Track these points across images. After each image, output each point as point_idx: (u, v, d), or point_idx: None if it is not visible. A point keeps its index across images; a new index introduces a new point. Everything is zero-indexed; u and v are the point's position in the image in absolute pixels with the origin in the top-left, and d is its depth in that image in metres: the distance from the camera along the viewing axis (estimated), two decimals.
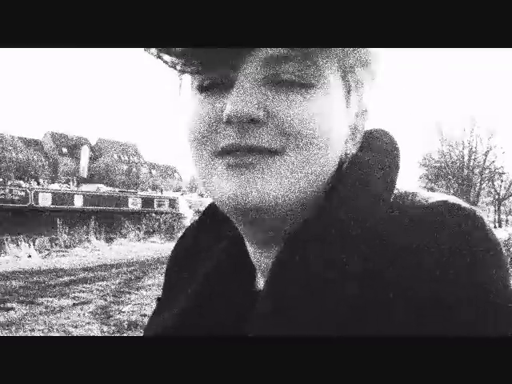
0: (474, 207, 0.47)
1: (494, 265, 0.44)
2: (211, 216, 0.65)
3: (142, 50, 0.50)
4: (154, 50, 0.49)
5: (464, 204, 0.47)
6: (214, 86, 0.49)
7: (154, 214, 18.76)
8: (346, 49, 0.49)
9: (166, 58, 0.49)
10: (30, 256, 11.27)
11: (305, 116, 0.46)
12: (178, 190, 56.98)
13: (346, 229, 0.48)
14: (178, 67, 0.49)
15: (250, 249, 0.57)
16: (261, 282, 0.57)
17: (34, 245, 12.53)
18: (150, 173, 78.83)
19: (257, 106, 0.46)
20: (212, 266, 0.60)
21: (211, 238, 0.65)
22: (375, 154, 0.53)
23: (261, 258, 0.56)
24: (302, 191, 0.48)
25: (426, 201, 0.47)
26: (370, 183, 0.50)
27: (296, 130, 0.46)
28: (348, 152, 0.53)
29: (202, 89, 0.50)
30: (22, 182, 26.02)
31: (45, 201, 18.28)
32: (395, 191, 0.51)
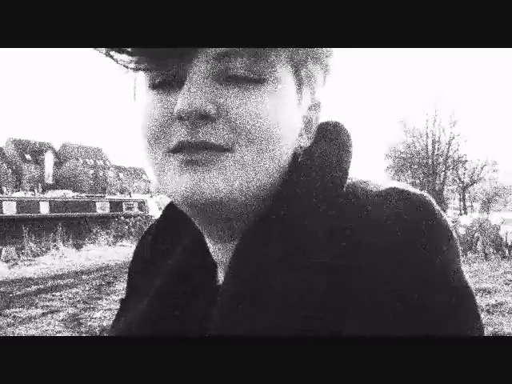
0: (422, 191, 0.48)
1: (444, 246, 0.45)
2: (170, 216, 0.65)
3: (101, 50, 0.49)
4: (103, 49, 0.48)
5: (412, 189, 0.48)
6: (166, 83, 0.49)
7: (123, 218, 18.52)
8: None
9: (116, 56, 0.48)
10: None
11: (255, 111, 0.46)
12: (146, 192, 56.45)
13: (300, 221, 0.48)
14: (130, 65, 0.48)
15: (210, 245, 0.57)
16: (222, 279, 0.56)
17: (0, 255, 12.20)
18: (118, 176, 77.84)
19: (207, 101, 0.46)
20: (173, 265, 0.60)
21: (171, 238, 0.65)
22: (327, 144, 0.54)
23: (220, 254, 0.56)
24: (255, 187, 0.48)
25: (377, 188, 0.48)
26: (322, 174, 0.51)
27: (247, 126, 0.46)
28: (303, 145, 0.54)
29: (153, 86, 0.50)
30: None
31: (9, 209, 17.80)
32: (348, 181, 0.51)
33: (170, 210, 0.65)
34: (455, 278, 0.45)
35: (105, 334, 4.98)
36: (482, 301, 5.12)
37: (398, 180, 40.13)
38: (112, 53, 0.48)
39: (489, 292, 5.50)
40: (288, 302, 0.45)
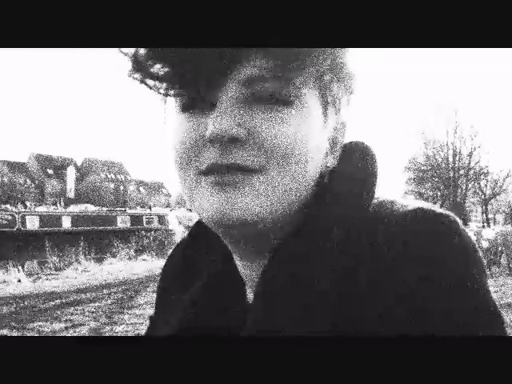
0: (448, 211, 0.49)
1: (471, 267, 0.45)
2: (199, 233, 0.66)
3: (124, 68, 0.52)
4: (138, 76, 0.51)
5: (438, 209, 0.48)
6: (196, 106, 0.51)
7: (143, 232, 18.64)
8: (321, 67, 0.51)
9: (150, 82, 0.51)
10: (19, 281, 11.12)
11: (284, 133, 0.48)
12: (166, 206, 56.75)
13: (327, 241, 0.49)
14: (162, 91, 0.51)
15: (239, 263, 0.59)
16: (250, 296, 0.58)
17: (23, 269, 12.38)
18: (138, 190, 78.45)
19: (237, 125, 0.48)
20: (202, 283, 0.61)
21: (200, 255, 0.66)
22: (353, 165, 0.55)
23: (249, 272, 0.58)
24: (284, 207, 0.50)
25: (403, 208, 0.49)
26: (349, 195, 0.52)
27: (276, 148, 0.48)
28: (329, 165, 0.55)
29: (184, 109, 0.52)
30: (8, 205, 25.71)
31: (32, 224, 18.08)
32: (374, 200, 0.52)
33: (199, 226, 0.66)
34: (482, 299, 0.45)
35: None
36: (506, 316, 5.01)
37: (418, 192, 39.70)
38: (146, 80, 0.51)
39: None
40: (315, 318, 0.47)
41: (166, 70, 0.49)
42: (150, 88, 0.51)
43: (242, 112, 0.49)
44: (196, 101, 0.51)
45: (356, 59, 0.55)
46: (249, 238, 0.53)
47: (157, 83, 0.51)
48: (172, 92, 0.51)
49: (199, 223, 0.66)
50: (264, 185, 0.49)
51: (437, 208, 0.49)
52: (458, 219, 0.48)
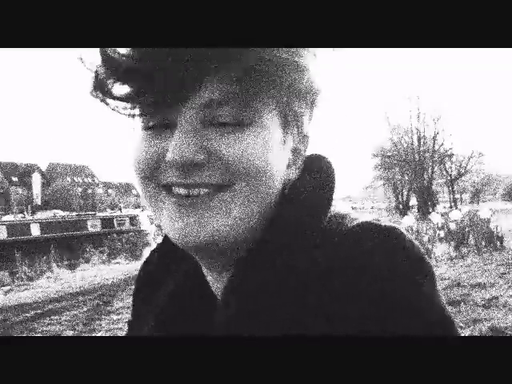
0: (392, 224, 0.51)
1: (417, 277, 0.47)
2: (169, 245, 0.67)
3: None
4: (99, 94, 0.52)
5: (383, 223, 0.50)
6: (158, 126, 0.52)
7: (115, 235, 18.38)
8: (281, 88, 0.52)
9: (110, 101, 0.52)
10: None
11: (247, 151, 0.50)
12: (137, 206, 56.03)
13: (287, 253, 0.51)
14: (121, 110, 0.52)
15: (207, 275, 0.61)
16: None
17: None
18: (107, 192, 77.16)
19: (196, 150, 0.49)
20: (172, 292, 0.63)
21: (171, 264, 0.67)
22: (312, 177, 0.57)
23: (216, 284, 0.60)
24: (247, 221, 0.52)
25: (351, 223, 0.51)
26: (306, 208, 0.54)
27: (241, 165, 0.50)
28: (291, 177, 0.57)
29: (146, 127, 0.53)
30: None
31: (0, 233, 17.59)
32: (328, 214, 0.55)
33: (168, 239, 0.67)
34: (433, 307, 0.46)
35: None
36: (477, 296, 5.17)
37: (386, 177, 40.24)
38: (106, 99, 0.52)
39: (483, 287, 5.55)
40: (277, 324, 0.49)
41: (126, 90, 0.50)
42: (112, 109, 0.52)
43: (200, 136, 0.50)
44: (158, 121, 0.52)
45: (322, 72, 0.56)
46: (215, 255, 0.54)
47: (117, 103, 0.52)
48: (131, 112, 0.52)
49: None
50: (235, 198, 0.50)
51: (381, 222, 0.51)
52: (403, 230, 0.50)
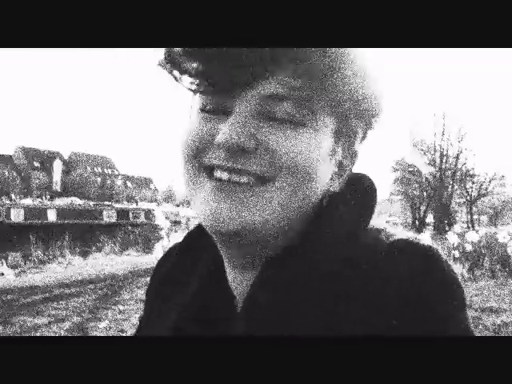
0: (429, 244, 0.50)
1: (449, 299, 0.47)
2: (195, 238, 0.67)
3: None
4: (168, 66, 0.53)
5: (421, 242, 0.50)
6: (215, 110, 0.53)
7: (129, 227, 18.54)
8: (341, 94, 0.52)
9: (176, 74, 0.53)
10: (2, 274, 11.00)
11: (294, 149, 0.50)
12: (153, 201, 56.54)
13: (320, 262, 0.51)
14: (186, 84, 0.53)
15: (230, 273, 0.60)
16: (239, 304, 0.59)
17: (6, 262, 12.25)
18: (125, 184, 78.01)
19: (247, 136, 0.50)
20: (192, 290, 0.62)
21: (193, 260, 0.66)
22: (355, 194, 0.57)
23: (239, 282, 0.59)
24: (282, 220, 0.52)
25: (387, 239, 0.51)
26: (346, 221, 0.54)
27: (286, 161, 0.50)
28: (332, 189, 0.56)
29: (203, 110, 0.54)
30: None
31: (17, 216, 17.88)
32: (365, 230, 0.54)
33: (196, 232, 0.66)
34: (461, 329, 0.47)
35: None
36: (488, 320, 5.08)
37: (405, 192, 39.97)
38: (174, 71, 0.53)
39: (495, 311, 5.45)
40: (302, 330, 0.48)
41: (196, 66, 0.51)
42: (176, 80, 0.53)
43: (254, 125, 0.50)
44: (216, 104, 0.53)
45: (385, 95, 0.56)
46: (243, 248, 0.54)
47: (184, 76, 0.52)
48: (195, 88, 0.53)
49: (198, 228, 0.66)
50: (274, 194, 0.50)
51: (419, 240, 0.51)
52: (439, 250, 0.50)
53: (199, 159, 0.53)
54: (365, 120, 0.56)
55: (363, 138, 0.58)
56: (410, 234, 0.52)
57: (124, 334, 5.36)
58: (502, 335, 4.56)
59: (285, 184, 0.50)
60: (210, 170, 0.52)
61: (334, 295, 0.49)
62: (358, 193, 0.57)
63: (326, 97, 0.51)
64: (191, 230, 0.68)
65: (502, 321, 5.04)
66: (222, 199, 0.50)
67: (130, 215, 21.81)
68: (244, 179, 0.50)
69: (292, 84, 0.49)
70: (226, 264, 0.60)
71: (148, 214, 22.59)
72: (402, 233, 0.52)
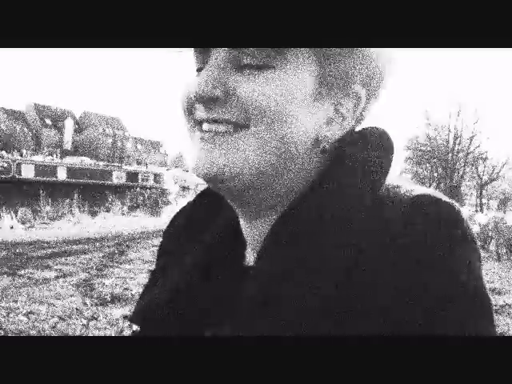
0: (452, 201, 0.50)
1: (469, 256, 0.47)
2: (208, 194, 0.67)
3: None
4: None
5: (444, 197, 0.49)
6: (202, 67, 0.56)
7: (138, 189, 18.68)
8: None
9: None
10: (12, 227, 11.18)
11: (261, 94, 0.50)
12: (163, 165, 56.67)
13: (334, 216, 0.50)
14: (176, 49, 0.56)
15: (242, 223, 0.60)
16: (251, 257, 0.59)
17: (16, 216, 12.43)
18: (135, 147, 78.18)
19: (215, 85, 0.51)
20: (205, 242, 0.63)
21: (206, 216, 0.67)
22: (371, 150, 0.55)
23: (250, 231, 0.59)
24: (263, 165, 0.52)
25: (409, 194, 0.50)
26: (359, 178, 0.53)
27: (256, 105, 0.50)
28: (331, 134, 0.54)
29: (198, 69, 0.57)
30: (4, 152, 25.58)
31: (27, 172, 18.05)
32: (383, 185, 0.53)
33: (208, 189, 0.67)
34: (477, 287, 0.46)
35: (122, 304, 5.07)
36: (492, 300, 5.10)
37: (416, 171, 39.76)
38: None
39: (498, 292, 5.48)
40: (318, 283, 0.47)
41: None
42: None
43: (224, 74, 0.52)
44: (202, 64, 0.55)
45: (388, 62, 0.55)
46: (240, 198, 0.55)
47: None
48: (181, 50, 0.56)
49: (207, 188, 0.67)
50: (250, 138, 0.51)
51: (442, 195, 0.50)
52: (460, 207, 0.49)
53: (192, 114, 0.55)
54: (355, 59, 0.54)
55: (366, 79, 0.55)
56: (430, 190, 0.51)
57: (129, 292, 5.46)
58: (504, 315, 4.59)
59: (259, 128, 0.51)
60: (199, 124, 0.54)
61: (349, 252, 0.48)
62: (373, 147, 0.56)
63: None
64: (203, 189, 0.69)
65: (504, 301, 5.07)
66: (204, 148, 0.52)
67: (140, 177, 21.94)
68: (222, 128, 0.52)
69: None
70: (238, 215, 0.60)
71: (157, 177, 22.70)
72: (421, 188, 0.51)
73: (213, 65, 0.53)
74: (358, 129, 0.59)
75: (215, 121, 0.52)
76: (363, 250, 0.48)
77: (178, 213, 0.73)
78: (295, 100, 0.51)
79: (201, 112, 0.53)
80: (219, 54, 0.52)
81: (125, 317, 0.74)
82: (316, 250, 0.49)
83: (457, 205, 0.49)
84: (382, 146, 0.56)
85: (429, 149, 38.63)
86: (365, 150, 0.55)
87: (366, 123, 0.59)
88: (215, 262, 0.61)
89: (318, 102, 0.53)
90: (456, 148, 38.03)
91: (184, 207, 0.72)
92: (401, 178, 0.55)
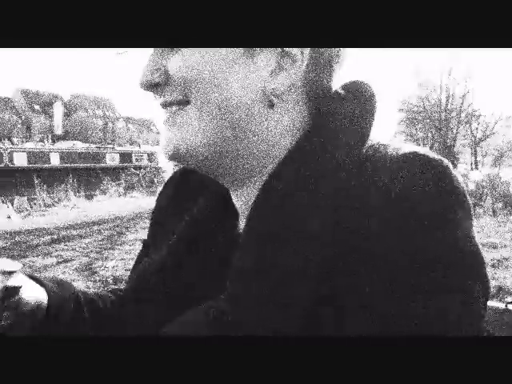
0: (441, 157, 0.49)
1: (459, 212, 0.47)
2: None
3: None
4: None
5: (432, 154, 0.49)
6: None
7: (133, 169, 18.60)
8: None
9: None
10: (9, 217, 11.16)
11: (191, 66, 0.51)
12: (156, 144, 56.28)
13: (318, 179, 0.49)
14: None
15: (232, 193, 0.60)
16: (242, 225, 0.59)
17: (12, 205, 12.41)
18: (127, 127, 77.49)
19: (152, 72, 0.54)
20: (192, 217, 0.63)
21: (192, 189, 0.68)
22: (349, 104, 0.54)
23: (239, 201, 0.59)
24: (213, 135, 0.53)
25: (396, 152, 0.49)
26: (342, 133, 0.52)
27: (187, 81, 0.52)
28: (274, 86, 0.53)
29: None
30: None
31: (20, 160, 17.94)
32: (369, 142, 0.52)
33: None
34: (468, 244, 0.46)
35: (118, 285, 5.12)
36: (487, 255, 5.17)
37: (410, 133, 39.65)
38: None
39: (495, 247, 5.54)
40: (303, 244, 0.48)
41: None
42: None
43: (159, 59, 0.54)
44: None
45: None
46: (207, 168, 0.57)
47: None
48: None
49: None
50: (195, 111, 0.53)
51: (430, 152, 0.49)
52: (449, 164, 0.49)
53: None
54: None
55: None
56: (418, 147, 0.50)
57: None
58: (501, 269, 4.66)
59: (198, 102, 0.52)
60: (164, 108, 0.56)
61: (337, 220, 0.47)
62: (352, 102, 0.54)
63: None
64: None
65: (501, 255, 5.13)
66: (165, 130, 0.55)
67: (133, 158, 21.84)
68: (172, 109, 0.54)
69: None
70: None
71: (151, 156, 22.59)
72: (408, 145, 0.50)
73: (153, 52, 0.55)
74: (338, 84, 0.57)
75: (166, 104, 0.55)
76: (348, 208, 0.47)
77: (167, 181, 0.74)
78: (226, 61, 0.51)
79: (154, 98, 0.56)
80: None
81: (143, 241, 0.72)
82: (301, 211, 0.49)
83: (445, 160, 0.49)
84: (364, 99, 0.55)
85: (421, 110, 38.45)
86: (346, 105, 0.54)
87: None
88: (203, 235, 0.61)
89: (256, 56, 0.52)
90: (449, 107, 37.84)
91: (174, 174, 0.73)
92: (393, 139, 0.54)
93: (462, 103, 37.95)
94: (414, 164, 0.47)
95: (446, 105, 37.89)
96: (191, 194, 0.67)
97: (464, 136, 40.44)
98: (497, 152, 46.33)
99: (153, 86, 0.54)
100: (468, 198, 0.49)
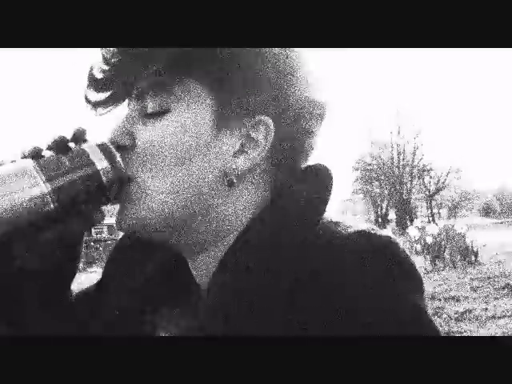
0: (388, 234, 0.51)
1: (408, 286, 0.48)
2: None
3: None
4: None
5: (379, 232, 0.51)
6: None
7: (92, 243, 18.10)
8: (210, 72, 0.54)
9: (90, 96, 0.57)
10: None
11: (158, 142, 0.53)
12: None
13: (273, 252, 0.51)
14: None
15: (187, 259, 0.61)
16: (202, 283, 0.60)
17: None
18: None
19: (123, 134, 0.54)
20: (151, 267, 0.65)
21: (137, 258, 0.68)
22: (308, 186, 0.57)
23: (196, 267, 0.60)
24: (170, 209, 0.53)
25: (345, 231, 0.51)
26: (300, 211, 0.54)
27: (151, 156, 0.53)
28: (236, 166, 0.55)
29: None
30: None
31: None
32: (323, 219, 0.55)
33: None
34: (419, 316, 0.47)
35: None
36: (451, 309, 5.22)
37: (366, 190, 40.55)
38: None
39: (457, 300, 5.60)
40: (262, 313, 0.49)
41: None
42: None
43: (132, 123, 0.55)
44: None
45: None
46: (161, 240, 0.58)
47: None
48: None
49: None
50: (137, 192, 0.54)
51: (377, 230, 0.51)
52: (397, 240, 0.51)
53: None
54: (263, 96, 0.54)
55: (282, 119, 0.56)
56: (367, 225, 0.52)
57: None
58: (465, 322, 4.69)
59: (158, 176, 0.53)
60: None
61: (290, 288, 0.49)
62: (312, 184, 0.57)
63: (188, 78, 0.54)
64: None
65: (464, 308, 5.18)
66: (119, 203, 0.57)
67: (93, 231, 21.26)
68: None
69: (153, 80, 0.53)
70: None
71: (111, 228, 22.08)
72: (359, 224, 0.53)
73: (125, 115, 0.56)
74: (303, 165, 0.60)
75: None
76: (301, 280, 0.48)
77: (114, 248, 0.73)
78: (192, 139, 0.53)
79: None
80: (132, 105, 0.56)
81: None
82: (259, 286, 0.50)
83: (392, 237, 0.51)
84: (322, 184, 0.58)
85: (375, 167, 39.71)
86: (306, 187, 0.56)
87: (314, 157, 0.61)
88: (164, 285, 0.64)
89: (221, 136, 0.54)
90: (401, 163, 39.23)
91: (120, 241, 0.72)
92: (345, 217, 0.57)
93: (413, 159, 39.43)
94: (360, 243, 0.49)
95: (398, 161, 39.28)
96: (136, 265, 0.67)
97: (419, 190, 41.71)
98: (451, 204, 47.89)
99: (120, 148, 0.54)
100: (418, 273, 0.51)
